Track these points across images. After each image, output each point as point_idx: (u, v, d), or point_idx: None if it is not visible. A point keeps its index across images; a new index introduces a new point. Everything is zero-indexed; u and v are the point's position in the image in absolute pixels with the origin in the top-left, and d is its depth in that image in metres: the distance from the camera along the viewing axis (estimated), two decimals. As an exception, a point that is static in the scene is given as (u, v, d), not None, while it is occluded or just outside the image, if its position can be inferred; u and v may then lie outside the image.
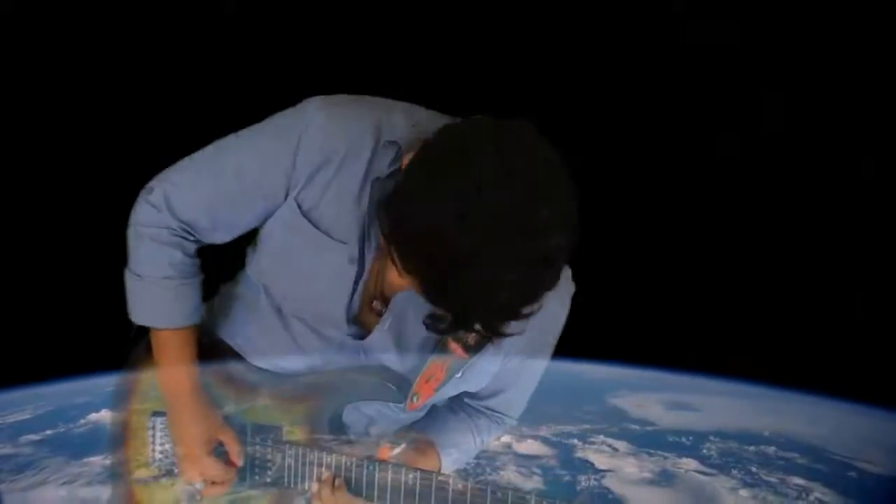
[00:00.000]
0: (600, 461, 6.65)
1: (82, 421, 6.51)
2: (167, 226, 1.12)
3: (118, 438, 1.28)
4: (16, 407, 7.70)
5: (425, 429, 1.30)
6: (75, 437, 6.43)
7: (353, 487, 1.10)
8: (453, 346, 1.12)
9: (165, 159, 1.17)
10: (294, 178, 1.05)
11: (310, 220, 1.06)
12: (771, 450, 7.14)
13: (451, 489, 0.98)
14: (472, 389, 1.25)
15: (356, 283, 1.08)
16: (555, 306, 1.16)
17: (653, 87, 4.58)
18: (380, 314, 1.12)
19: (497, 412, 1.34)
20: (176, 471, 1.23)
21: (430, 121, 1.01)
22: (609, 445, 7.04)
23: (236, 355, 1.25)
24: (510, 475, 6.28)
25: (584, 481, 6.21)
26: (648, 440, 7.05)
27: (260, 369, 1.24)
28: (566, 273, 1.14)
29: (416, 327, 1.09)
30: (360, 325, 1.14)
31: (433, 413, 1.32)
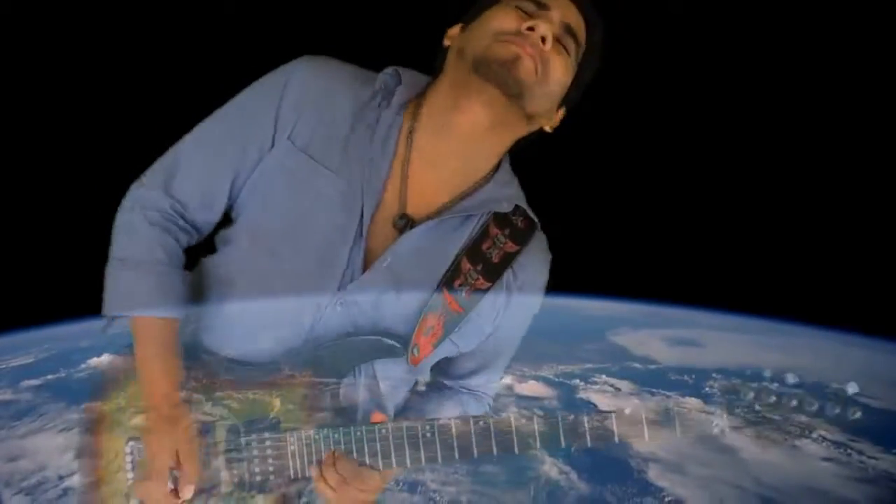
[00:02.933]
0: (602, 402, 6.67)
1: (83, 366, 6.50)
2: (160, 208, 1.12)
3: (89, 465, 1.18)
4: (20, 350, 7.71)
5: (422, 413, 1.30)
6: (75, 382, 6.42)
7: (358, 457, 1.07)
8: (448, 298, 1.12)
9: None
10: (282, 119, 1.10)
11: (308, 155, 1.10)
12: (773, 387, 7.14)
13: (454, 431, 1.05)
14: (465, 349, 1.22)
15: (362, 210, 1.09)
16: (538, 270, 1.22)
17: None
18: (402, 230, 1.11)
19: (477, 391, 1.35)
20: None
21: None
22: (611, 385, 7.04)
23: (210, 354, 1.15)
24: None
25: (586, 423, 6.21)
26: (651, 379, 7.07)
27: (236, 363, 1.14)
28: (544, 243, 1.23)
29: (417, 267, 1.11)
30: (357, 267, 1.11)
31: (425, 397, 1.33)
